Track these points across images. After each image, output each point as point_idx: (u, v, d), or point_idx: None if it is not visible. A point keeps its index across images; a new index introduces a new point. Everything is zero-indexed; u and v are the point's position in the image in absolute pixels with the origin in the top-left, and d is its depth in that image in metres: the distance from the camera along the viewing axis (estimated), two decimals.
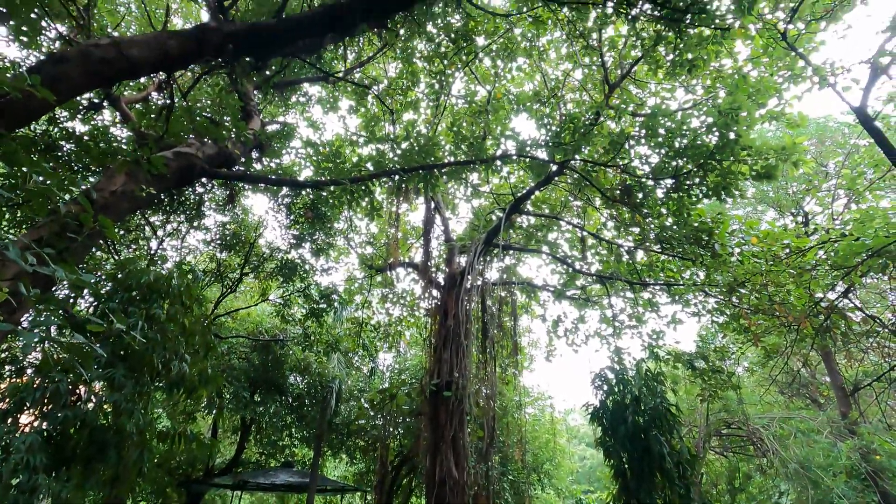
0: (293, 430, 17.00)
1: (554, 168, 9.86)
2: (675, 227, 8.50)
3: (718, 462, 15.17)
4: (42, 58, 3.75)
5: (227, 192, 8.45)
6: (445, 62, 11.86)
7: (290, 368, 15.93)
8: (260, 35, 4.53)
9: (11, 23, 3.50)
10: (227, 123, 6.67)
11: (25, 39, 7.22)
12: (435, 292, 12.94)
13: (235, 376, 15.30)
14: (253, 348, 15.77)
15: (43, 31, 8.40)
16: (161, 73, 4.73)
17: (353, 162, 7.60)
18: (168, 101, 4.96)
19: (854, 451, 10.21)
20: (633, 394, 8.04)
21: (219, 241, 13.58)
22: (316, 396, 16.47)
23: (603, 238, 11.08)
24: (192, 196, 11.84)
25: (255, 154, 7.68)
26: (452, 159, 9.14)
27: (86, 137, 8.53)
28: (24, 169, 2.57)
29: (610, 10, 6.91)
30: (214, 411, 17.13)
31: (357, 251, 14.89)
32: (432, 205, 12.86)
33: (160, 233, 13.13)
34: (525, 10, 9.62)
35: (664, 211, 8.57)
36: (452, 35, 11.02)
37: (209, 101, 7.91)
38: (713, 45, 6.80)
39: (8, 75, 3.65)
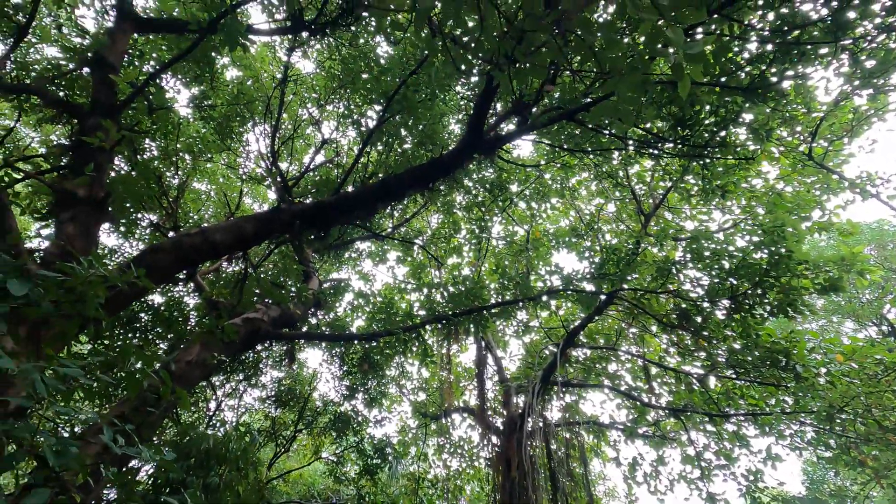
0: None
1: (602, 298, 9.80)
2: (745, 349, 7.96)
3: None
4: (141, 249, 4.34)
5: (286, 350, 8.77)
6: (483, 209, 12.79)
7: None
8: (323, 211, 5.15)
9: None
10: (289, 286, 7.22)
11: (123, 229, 8.38)
12: (494, 438, 12.12)
13: None
14: None
15: (138, 221, 9.84)
16: (237, 251, 5.35)
17: (402, 310, 7.87)
18: (243, 274, 5.51)
19: None
20: None
21: (274, 398, 13.66)
22: None
23: (667, 366, 10.42)
24: (252, 355, 12.30)
25: (313, 311, 8.11)
26: (499, 299, 9.31)
27: (162, 308, 9.37)
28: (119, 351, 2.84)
29: (633, 151, 7.49)
30: None
31: (410, 398, 14.52)
32: (483, 344, 12.73)
33: (219, 393, 13.43)
34: (553, 158, 10.56)
35: (729, 333, 8.13)
36: (488, 186, 12.05)
37: (273, 266, 8.71)
38: (740, 172, 7.09)
39: (110, 265, 4.24)
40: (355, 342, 11.88)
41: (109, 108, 4.77)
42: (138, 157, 8.31)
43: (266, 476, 13.87)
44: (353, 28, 7.62)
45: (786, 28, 5.16)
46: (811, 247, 12.21)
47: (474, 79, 6.12)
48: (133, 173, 5.89)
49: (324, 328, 9.72)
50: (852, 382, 6.75)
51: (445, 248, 13.94)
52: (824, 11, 5.11)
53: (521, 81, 2.74)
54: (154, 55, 8.04)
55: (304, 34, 7.97)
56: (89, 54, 5.71)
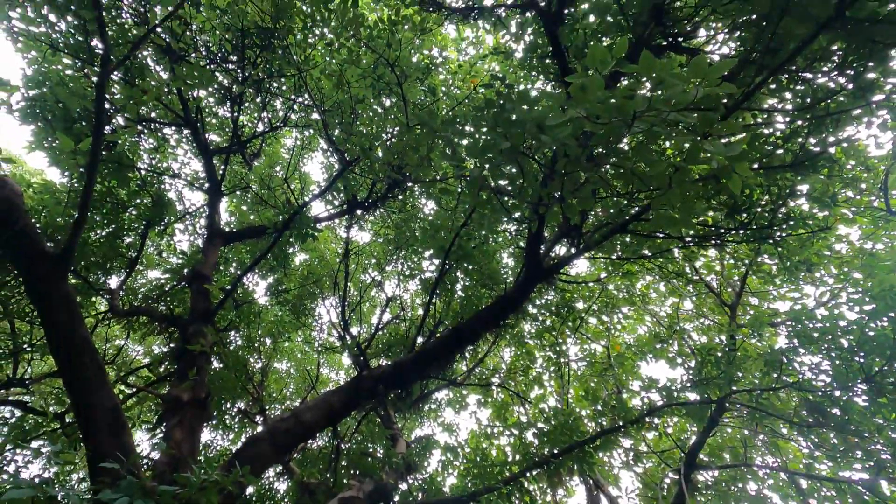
0: None
1: (714, 408, 8.75)
2: None
3: None
4: (242, 443, 4.45)
5: None
6: (554, 333, 12.44)
7: None
8: (402, 371, 5.21)
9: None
10: (378, 454, 6.99)
11: (214, 422, 8.63)
12: None
13: None
14: None
15: (228, 411, 10.21)
16: (327, 427, 5.37)
17: (495, 458, 7.30)
18: (334, 451, 5.45)
19: None
20: None
21: None
22: None
23: (819, 476, 8.71)
24: None
25: (403, 474, 7.70)
26: (596, 428, 8.52)
27: (254, 498, 9.19)
28: None
29: (695, 247, 7.34)
30: None
31: None
32: (591, 483, 11.33)
33: None
34: (612, 271, 10.46)
35: (881, 421, 6.87)
36: (553, 309, 11.88)
37: (356, 433, 8.57)
38: (819, 242, 6.70)
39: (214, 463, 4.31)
40: None
41: (205, 314, 5.33)
42: (227, 349, 9.01)
43: None
44: (400, 197, 8.52)
45: (809, 102, 5.29)
46: None
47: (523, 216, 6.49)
48: (225, 370, 6.35)
49: (416, 493, 9.09)
50: None
51: (525, 382, 13.34)
52: (842, 80, 5.25)
53: (572, 214, 2.89)
54: (236, 258, 9.20)
55: (359, 211, 8.97)
56: (186, 270, 6.63)
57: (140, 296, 8.33)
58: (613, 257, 8.18)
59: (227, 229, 7.68)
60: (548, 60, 6.27)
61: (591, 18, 5.55)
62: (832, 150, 6.11)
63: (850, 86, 5.08)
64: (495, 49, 6.88)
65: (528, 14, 5.55)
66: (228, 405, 9.66)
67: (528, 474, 8.15)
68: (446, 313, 9.09)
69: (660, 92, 2.14)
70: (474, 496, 6.21)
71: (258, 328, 10.84)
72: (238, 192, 9.64)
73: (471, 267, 6.72)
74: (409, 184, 6.07)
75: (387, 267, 11.99)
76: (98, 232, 7.58)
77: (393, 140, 4.90)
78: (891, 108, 5.72)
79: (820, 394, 7.15)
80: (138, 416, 8.87)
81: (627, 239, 7.50)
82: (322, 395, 5.02)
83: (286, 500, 9.07)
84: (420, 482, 9.45)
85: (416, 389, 7.83)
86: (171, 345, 7.26)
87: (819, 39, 4.66)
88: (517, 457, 8.26)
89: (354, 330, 12.46)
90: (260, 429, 9.62)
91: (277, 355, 12.41)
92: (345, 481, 5.68)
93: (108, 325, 8.59)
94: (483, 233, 6.47)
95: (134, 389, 5.45)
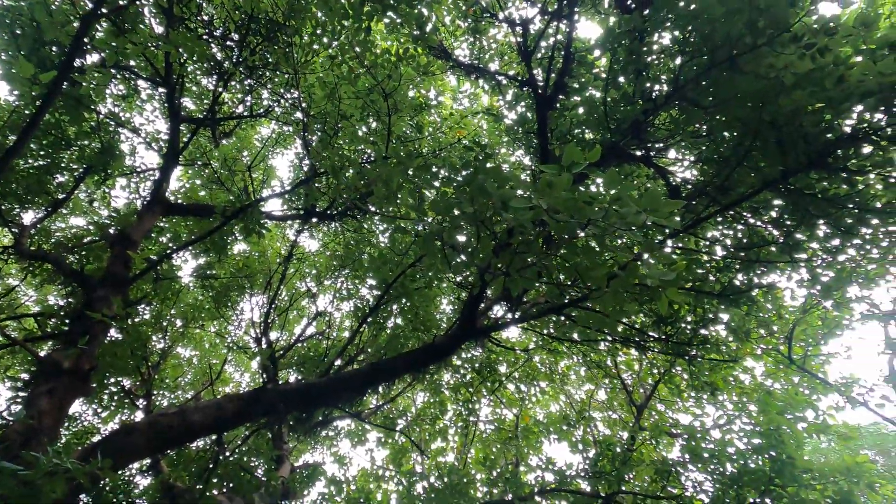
0: None
1: (600, 502, 8.93)
2: None
3: None
4: (114, 429, 4.09)
5: None
6: (471, 390, 12.44)
7: None
8: (310, 393, 5.02)
9: None
10: (258, 473, 6.59)
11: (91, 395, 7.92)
12: None
13: None
14: None
15: (109, 386, 9.37)
16: (213, 433, 5.04)
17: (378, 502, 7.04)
18: (213, 458, 5.09)
19: None
20: None
21: None
22: None
23: None
24: None
25: (281, 502, 7.25)
26: (487, 495, 8.45)
27: (107, 489, 8.31)
28: None
29: (619, 345, 7.69)
30: None
31: None
32: None
33: None
34: (541, 345, 10.73)
35: None
36: (476, 366, 11.93)
37: (241, 444, 8.04)
38: (727, 369, 7.21)
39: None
40: None
41: (120, 281, 4.98)
42: (130, 322, 8.36)
43: None
44: (358, 218, 8.47)
45: (746, 243, 5.84)
46: (813, 449, 11.67)
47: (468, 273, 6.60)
48: (119, 340, 5.86)
49: None
50: None
51: (430, 431, 13.14)
52: (776, 232, 5.84)
53: (514, 288, 3.00)
54: (172, 231, 8.71)
55: (314, 220, 8.81)
56: (113, 229, 6.19)
57: (53, 241, 7.67)
58: (545, 333, 8.41)
59: (172, 199, 7.32)
60: (532, 136, 6.60)
61: (580, 111, 5.94)
62: (755, 291, 6.69)
63: (782, 240, 5.65)
64: (488, 110, 7.18)
65: (524, 89, 5.87)
66: (112, 380, 8.88)
67: None
68: (371, 344, 8.92)
69: (615, 208, 2.31)
70: None
71: (172, 307, 10.17)
72: (196, 167, 9.26)
73: (407, 306, 6.70)
74: (372, 208, 6.07)
75: (325, 281, 11.72)
76: (30, 161, 7.01)
77: (367, 166, 4.93)
78: (810, 270, 6.39)
79: None
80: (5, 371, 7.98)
81: (562, 318, 7.78)
82: (217, 399, 4.73)
83: (143, 498, 8.28)
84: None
85: (317, 414, 7.52)
86: (70, 301, 6.67)
87: (765, 193, 5.20)
88: None
89: (274, 335, 11.95)
90: (140, 416, 8.86)
91: (184, 340, 11.64)
92: (214, 493, 5.28)
93: (5, 260, 7.80)
94: (429, 276, 6.51)
95: (9, 341, 4.91)
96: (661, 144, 6.73)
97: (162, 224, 8.29)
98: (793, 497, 6.55)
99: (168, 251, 5.51)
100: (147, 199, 6.41)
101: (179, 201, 7.60)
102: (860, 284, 6.34)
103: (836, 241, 5.55)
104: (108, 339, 6.27)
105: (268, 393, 4.88)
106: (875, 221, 5.02)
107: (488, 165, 2.81)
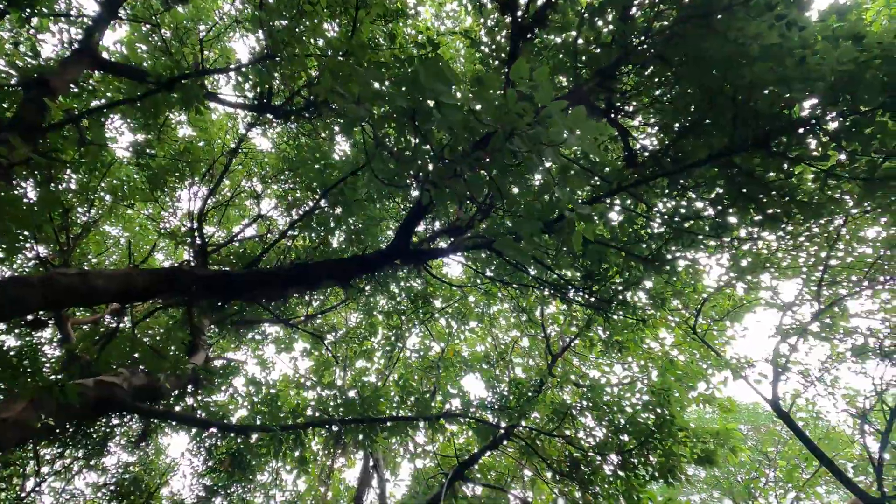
0: None
1: (501, 432, 9.59)
2: None
3: None
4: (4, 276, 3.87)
5: (142, 429, 7.61)
6: (404, 318, 12.73)
7: None
8: (229, 282, 4.91)
9: None
10: (170, 355, 6.54)
11: (2, 255, 7.51)
12: None
13: None
14: None
15: (24, 251, 8.85)
16: (119, 303, 4.88)
17: (291, 406, 7.25)
18: (114, 328, 4.96)
19: None
20: None
21: (113, 488, 11.50)
22: None
23: None
24: (101, 429, 10.57)
25: (189, 388, 7.29)
26: (397, 414, 8.87)
27: (11, 353, 8.05)
28: None
29: (547, 294, 7.99)
30: None
31: None
32: (371, 462, 11.77)
33: (45, 469, 11.14)
34: (479, 282, 10.99)
35: (614, 491, 8.09)
36: (413, 295, 12.15)
37: (160, 329, 7.91)
38: (638, 332, 7.68)
39: None
40: (231, 434, 10.58)
41: (29, 128, 4.54)
42: (51, 185, 7.77)
43: None
44: (316, 122, 8.06)
45: (679, 218, 6.05)
46: (698, 417, 12.93)
47: (415, 193, 6.50)
48: (33, 200, 5.44)
49: (199, 412, 8.66)
50: None
51: (357, 350, 13.46)
52: (710, 211, 6.07)
53: (440, 200, 2.96)
54: (107, 97, 7.96)
55: (269, 115, 8.31)
56: (35, 74, 5.57)
57: None
58: (483, 273, 8.58)
59: (105, 57, 6.63)
60: (504, 69, 6.37)
61: (558, 40, 5.76)
62: (680, 263, 7.05)
63: (715, 218, 5.88)
64: (466, 32, 6.82)
65: (505, 15, 5.58)
66: (26, 244, 8.35)
67: (311, 429, 8.21)
68: (308, 255, 8.80)
69: (550, 130, 2.26)
70: (247, 430, 6.09)
71: (101, 180, 9.51)
72: (144, 29, 8.36)
73: (346, 216, 6.56)
74: (324, 108, 5.76)
75: (273, 185, 11.27)
76: None
77: (317, 52, 4.58)
78: (731, 253, 6.75)
79: (583, 452, 8.20)
80: None
81: (496, 262, 7.95)
82: (128, 269, 4.55)
83: (49, 366, 8.09)
84: (203, 401, 9.01)
85: (241, 307, 7.44)
86: None
87: (710, 170, 5.33)
88: (317, 414, 8.26)
89: (210, 229, 11.55)
90: None
91: (112, 218, 11.04)
92: (113, 365, 5.21)
93: None
94: (371, 188, 6.36)
95: None
96: (628, 108, 6.71)
97: (92, 85, 7.55)
98: (666, 450, 7.30)
99: (91, 109, 5.03)
100: (74, 48, 5.77)
101: (114, 59, 6.89)
102: (771, 274, 6.82)
103: (758, 229, 5.84)
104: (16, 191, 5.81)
105: (184, 274, 4.74)
106: (799, 216, 5.30)
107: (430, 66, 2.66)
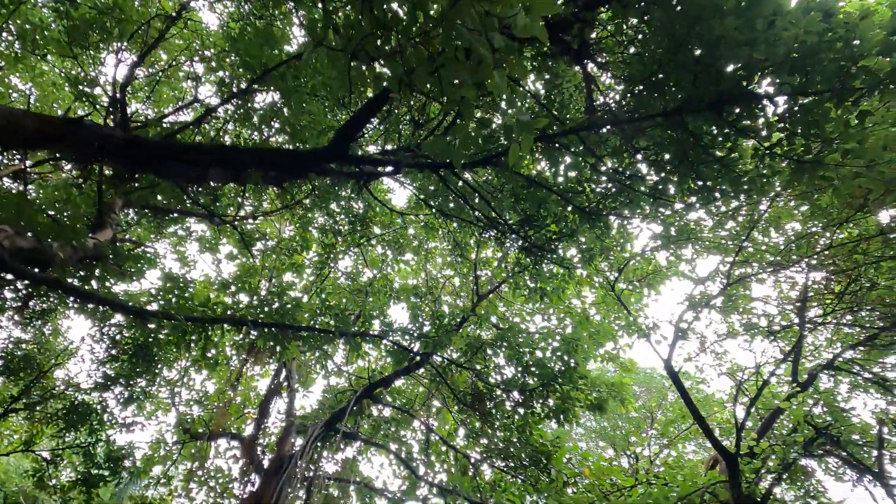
0: None
1: (415, 359, 9.83)
2: (519, 442, 8.46)
3: None
4: None
5: (24, 295, 7.01)
6: (339, 239, 12.43)
7: None
8: (138, 148, 4.42)
9: None
10: (67, 223, 5.96)
11: None
12: (255, 476, 10.91)
13: None
14: None
15: None
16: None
17: (202, 299, 6.93)
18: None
19: None
20: None
21: (1, 361, 10.82)
22: None
23: (450, 444, 10.61)
24: None
25: (87, 260, 6.74)
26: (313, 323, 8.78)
27: None
28: None
29: (486, 235, 7.99)
30: None
31: (180, 409, 12.57)
32: (283, 373, 11.78)
33: None
34: (420, 215, 10.84)
35: (511, 425, 8.63)
36: (352, 217, 11.83)
37: (61, 195, 7.14)
38: (563, 283, 7.91)
39: None
40: (135, 323, 10.14)
41: None
42: None
43: None
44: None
45: (623, 177, 6.11)
46: (599, 373, 13.96)
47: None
48: None
49: (101, 285, 8.08)
50: (590, 496, 7.45)
51: (287, 263, 13.08)
52: (655, 177, 6.15)
53: (374, 85, 2.69)
54: None
55: None
56: None
57: None
58: (426, 201, 8.40)
59: None
60: None
61: None
62: (615, 223, 7.22)
63: (657, 186, 5.97)
64: None
65: None
66: None
67: (222, 330, 7.99)
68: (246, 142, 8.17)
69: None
70: (146, 314, 5.77)
71: (7, 19, 8.17)
72: None
73: (288, 109, 6.03)
74: None
75: (219, 72, 10.21)
76: None
77: None
78: (664, 222, 6.97)
79: (486, 387, 8.60)
80: None
81: (444, 197, 7.79)
82: (16, 109, 3.95)
83: None
84: (109, 286, 8.42)
85: (159, 190, 6.82)
86: None
87: (664, 132, 5.32)
88: (229, 312, 8.00)
89: (138, 106, 10.48)
90: None
91: (19, 68, 9.66)
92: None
93: None
94: (317, 81, 5.84)
95: None
96: (600, 59, 6.53)
97: None
98: (564, 393, 7.78)
99: None
100: None
101: None
102: (693, 248, 7.17)
103: (692, 199, 6.00)
104: None
105: (87, 129, 4.19)
106: (730, 191, 5.47)
107: None
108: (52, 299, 10.42)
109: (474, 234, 9.21)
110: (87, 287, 6.35)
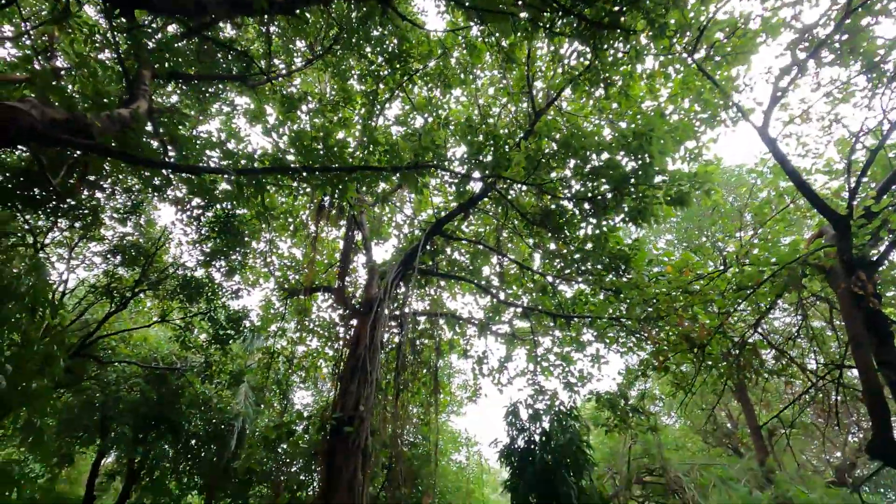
0: (185, 476, 14.91)
1: (478, 190, 9.52)
2: (594, 252, 8.22)
3: None
4: None
5: (76, 167, 7.23)
6: (380, 86, 11.64)
7: (189, 403, 14.12)
8: None
9: None
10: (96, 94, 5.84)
11: None
12: (354, 321, 12.03)
13: (122, 411, 13.36)
14: (147, 379, 13.92)
15: None
16: None
17: (246, 155, 6.83)
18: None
19: (772, 501, 9.92)
20: (543, 429, 7.37)
21: (115, 253, 12.16)
22: (218, 436, 14.63)
23: (527, 267, 10.72)
24: (87, 201, 10.59)
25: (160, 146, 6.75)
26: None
27: None
28: None
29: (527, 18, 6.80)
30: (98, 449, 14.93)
31: (276, 275, 13.77)
32: (354, 224, 12.16)
33: (47, 240, 11.62)
34: (457, 31, 9.57)
35: (583, 235, 8.33)
36: (387, 55, 10.86)
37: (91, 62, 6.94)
38: (632, 66, 6.75)
39: None
40: (215, 205, 10.65)
41: None
42: None
43: (97, 334, 12.69)
44: None
45: None
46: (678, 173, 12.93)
47: None
48: None
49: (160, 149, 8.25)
50: (673, 294, 7.20)
51: (334, 120, 12.67)
52: None
53: None
54: None
55: None
56: None
57: None
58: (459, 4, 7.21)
59: None
60: None
61: None
62: None
63: None
64: None
65: None
66: None
67: (271, 177, 7.97)
68: None
69: None
70: (196, 170, 5.76)
71: None
72: None
73: None
74: None
75: None
76: None
77: None
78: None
79: (556, 200, 8.15)
80: None
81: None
82: None
83: None
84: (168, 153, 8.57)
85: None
86: None
87: None
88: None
89: None
90: None
91: None
92: (25, 92, 4.54)
93: None
94: None
95: None
96: None
97: None
98: (640, 194, 7.15)
99: None
100: None
101: None
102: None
103: None
104: None
105: None
106: None
107: None
108: (135, 188, 11.13)
109: (522, 32, 7.96)
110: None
